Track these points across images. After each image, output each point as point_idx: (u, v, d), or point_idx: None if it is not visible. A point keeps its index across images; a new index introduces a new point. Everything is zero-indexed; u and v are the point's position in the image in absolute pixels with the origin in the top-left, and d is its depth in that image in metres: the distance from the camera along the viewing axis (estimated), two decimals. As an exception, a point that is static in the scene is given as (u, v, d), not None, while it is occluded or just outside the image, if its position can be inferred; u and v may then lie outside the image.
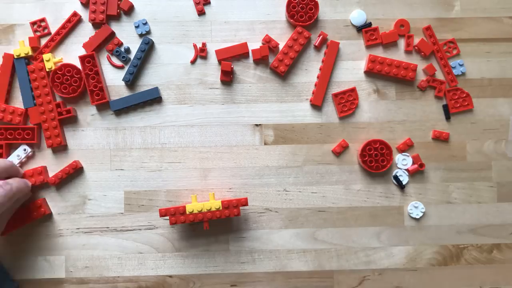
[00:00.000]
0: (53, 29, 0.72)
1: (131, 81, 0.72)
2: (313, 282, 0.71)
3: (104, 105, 0.72)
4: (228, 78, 0.72)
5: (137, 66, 0.71)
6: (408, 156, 0.73)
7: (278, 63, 0.72)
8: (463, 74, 0.73)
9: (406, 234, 0.72)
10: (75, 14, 0.72)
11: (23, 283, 0.70)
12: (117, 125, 0.72)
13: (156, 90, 0.71)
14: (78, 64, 0.71)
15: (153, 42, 0.72)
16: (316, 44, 0.72)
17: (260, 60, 0.72)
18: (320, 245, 0.72)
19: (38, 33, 0.72)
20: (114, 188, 0.72)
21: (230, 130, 0.73)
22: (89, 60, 0.70)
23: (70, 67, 0.70)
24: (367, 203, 0.72)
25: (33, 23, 0.72)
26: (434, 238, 0.72)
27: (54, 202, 0.71)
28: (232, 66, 0.71)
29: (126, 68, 0.72)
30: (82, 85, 0.70)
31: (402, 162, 0.73)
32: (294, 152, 0.73)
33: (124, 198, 0.71)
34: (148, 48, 0.71)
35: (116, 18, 0.73)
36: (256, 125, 0.73)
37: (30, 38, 0.71)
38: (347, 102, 0.73)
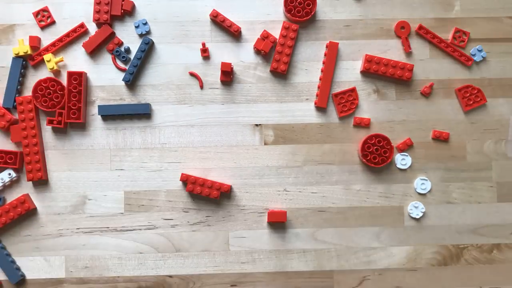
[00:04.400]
0: (54, 29, 0.72)
1: (131, 81, 0.72)
2: (313, 282, 0.71)
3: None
4: (228, 78, 0.72)
5: (137, 66, 0.71)
6: (407, 155, 0.73)
7: (277, 64, 0.72)
8: (484, 59, 0.73)
9: (406, 234, 0.72)
10: (82, 25, 0.72)
11: (23, 283, 0.70)
12: (117, 125, 0.72)
13: (146, 106, 0.71)
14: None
15: (153, 42, 0.72)
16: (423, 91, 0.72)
17: (261, 57, 0.72)
18: (320, 245, 0.72)
19: (43, 23, 0.72)
20: (114, 188, 0.72)
21: (230, 130, 0.73)
22: (76, 77, 0.70)
23: (55, 81, 0.70)
24: (367, 203, 0.72)
25: (36, 13, 0.72)
26: (434, 238, 0.72)
27: (54, 202, 0.71)
28: (232, 66, 0.71)
29: (126, 68, 0.72)
30: (62, 102, 0.70)
31: (401, 162, 0.73)
32: (294, 152, 0.73)
33: (124, 198, 0.71)
34: (148, 48, 0.71)
35: (119, 18, 0.73)
36: (256, 125, 0.73)
37: (30, 37, 0.71)
38: (347, 102, 0.73)
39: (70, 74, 0.70)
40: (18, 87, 0.71)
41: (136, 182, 0.72)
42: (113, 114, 0.71)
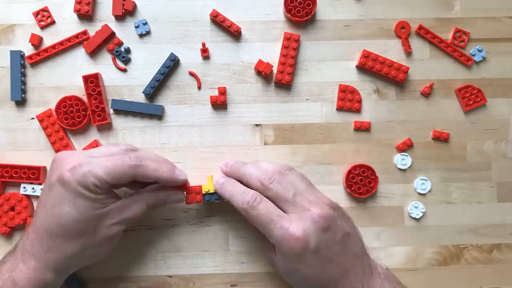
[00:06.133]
0: (54, 28, 0.72)
1: (151, 94, 0.72)
2: (313, 282, 0.71)
3: (104, 105, 0.72)
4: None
5: (159, 81, 0.71)
6: (407, 155, 0.73)
7: (281, 76, 0.72)
8: (484, 59, 0.73)
9: (406, 234, 0.72)
10: (84, 32, 0.72)
11: None
12: (117, 125, 0.72)
13: (160, 108, 0.71)
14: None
15: (178, 59, 0.72)
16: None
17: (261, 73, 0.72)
18: (320, 245, 0.72)
19: (43, 23, 0.72)
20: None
21: (230, 130, 0.73)
22: (92, 80, 0.70)
23: (79, 101, 0.70)
24: (367, 203, 0.72)
25: (36, 13, 0.72)
26: (434, 238, 0.72)
27: (54, 202, 0.71)
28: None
29: (126, 68, 0.72)
30: (84, 122, 0.70)
31: (401, 162, 0.73)
32: (294, 152, 0.73)
33: (124, 198, 0.71)
34: (173, 65, 0.71)
35: (119, 18, 0.73)
36: (256, 125, 0.73)
37: (32, 35, 0.71)
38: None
39: (86, 78, 0.70)
40: (22, 78, 0.71)
41: (136, 182, 0.72)
42: (125, 110, 0.72)
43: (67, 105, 0.70)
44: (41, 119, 0.70)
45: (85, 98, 0.71)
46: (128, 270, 0.71)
